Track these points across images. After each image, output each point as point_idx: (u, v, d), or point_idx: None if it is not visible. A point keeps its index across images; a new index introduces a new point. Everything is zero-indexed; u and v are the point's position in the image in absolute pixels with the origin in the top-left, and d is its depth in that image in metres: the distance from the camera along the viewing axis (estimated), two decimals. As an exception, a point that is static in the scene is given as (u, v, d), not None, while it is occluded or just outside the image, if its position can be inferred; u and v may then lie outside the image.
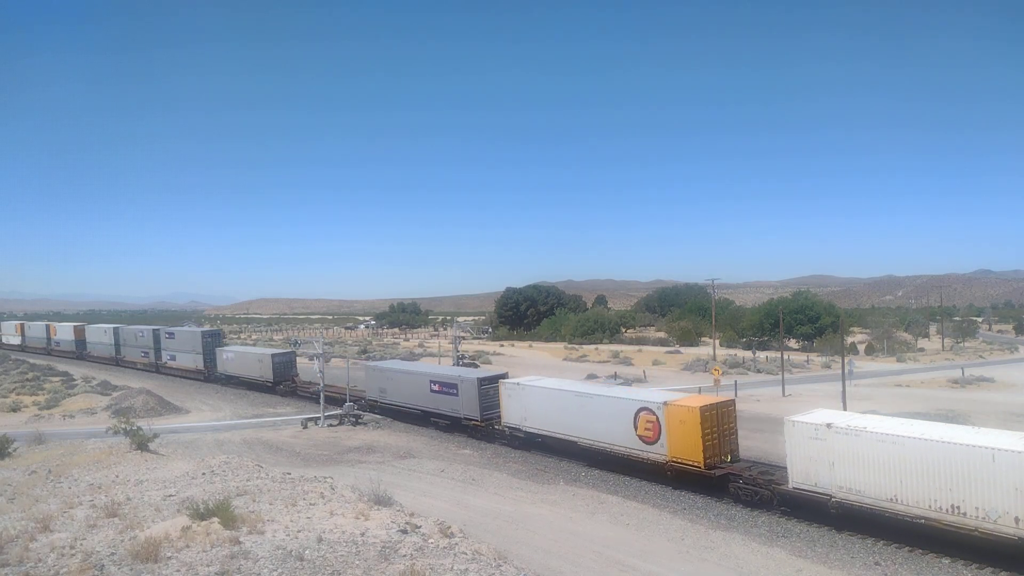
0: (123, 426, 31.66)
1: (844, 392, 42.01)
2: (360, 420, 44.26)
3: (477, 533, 20.25)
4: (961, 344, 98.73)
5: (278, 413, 49.83)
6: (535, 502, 26.32)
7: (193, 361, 65.90)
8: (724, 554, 20.67)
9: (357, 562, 13.82)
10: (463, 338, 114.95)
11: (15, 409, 52.34)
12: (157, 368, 70.77)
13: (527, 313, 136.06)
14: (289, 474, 25.36)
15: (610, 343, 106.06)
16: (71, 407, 52.84)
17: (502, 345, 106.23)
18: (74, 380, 68.66)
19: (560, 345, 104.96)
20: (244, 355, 62.04)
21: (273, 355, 58.60)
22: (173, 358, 69.27)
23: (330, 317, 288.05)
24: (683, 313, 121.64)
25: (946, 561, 19.67)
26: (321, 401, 45.11)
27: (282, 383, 56.65)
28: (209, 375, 63.94)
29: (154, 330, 74.76)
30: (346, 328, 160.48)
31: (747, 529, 23.05)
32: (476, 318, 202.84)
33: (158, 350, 70.99)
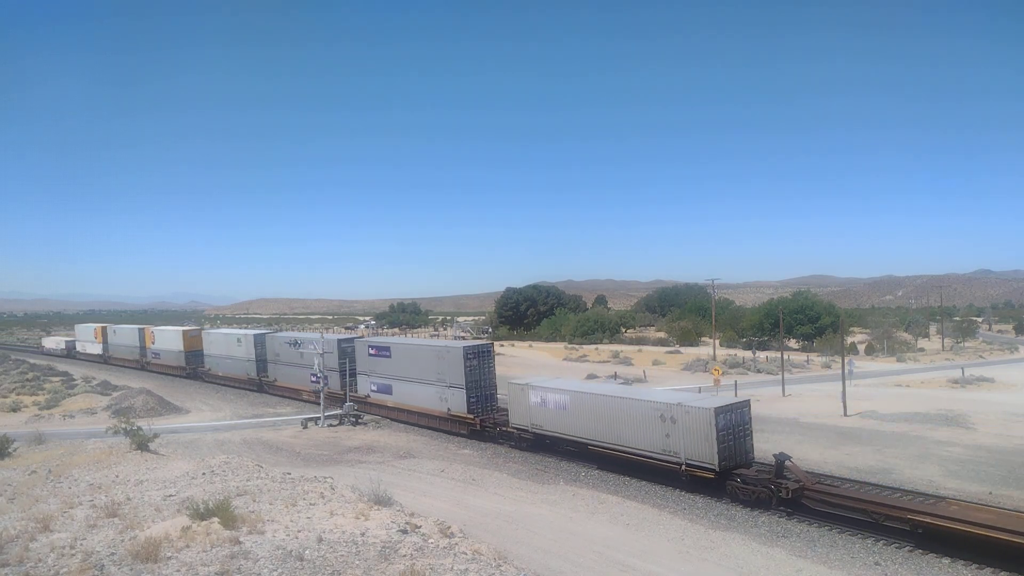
0: (123, 426, 31.68)
1: (844, 392, 42.00)
2: (360, 420, 44.25)
3: (477, 533, 20.25)
4: (961, 344, 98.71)
5: (278, 413, 49.83)
6: (535, 502, 26.31)
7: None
8: (724, 554, 20.66)
9: (357, 562, 13.82)
10: (463, 338, 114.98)
11: (15, 409, 52.38)
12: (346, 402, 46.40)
13: (527, 313, 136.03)
14: (289, 474, 25.36)
15: (610, 343, 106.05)
16: (71, 407, 52.87)
17: (502, 345, 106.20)
18: (74, 380, 68.72)
19: (560, 345, 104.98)
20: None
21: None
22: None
23: (330, 317, 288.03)
24: (683, 313, 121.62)
25: (946, 561, 19.67)
26: (321, 401, 45.10)
27: None
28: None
29: (340, 340, 50.88)
30: (346, 328, 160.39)
31: (747, 529, 23.05)
32: (476, 318, 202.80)
33: (347, 371, 48.77)
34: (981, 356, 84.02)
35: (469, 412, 38.13)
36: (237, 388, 61.26)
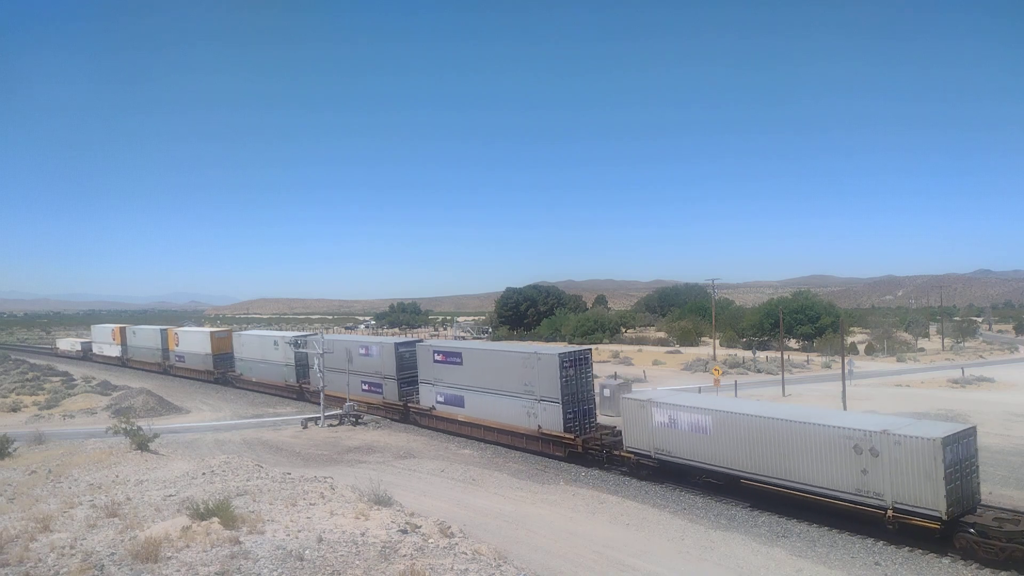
0: (123, 426, 31.70)
1: (844, 392, 42.00)
2: (360, 420, 44.25)
3: (477, 533, 20.25)
4: (961, 344, 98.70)
5: (278, 413, 49.84)
6: (535, 502, 26.31)
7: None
8: (724, 554, 20.66)
9: (357, 562, 13.82)
10: (463, 338, 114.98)
11: (15, 409, 52.40)
12: (406, 414, 43.44)
13: (527, 313, 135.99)
14: (289, 474, 25.36)
15: (610, 343, 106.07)
16: (71, 407, 52.89)
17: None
18: (74, 380, 68.73)
19: (560, 345, 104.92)
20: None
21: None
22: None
23: (330, 317, 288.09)
24: (683, 313, 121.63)
25: (946, 561, 19.67)
26: (321, 401, 45.12)
27: None
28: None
29: (398, 345, 45.08)
30: (346, 328, 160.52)
31: (747, 529, 23.04)
32: (476, 318, 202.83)
33: (405, 381, 43.75)
34: (981, 356, 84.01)
35: (566, 430, 32.60)
36: (274, 396, 56.24)
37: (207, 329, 74.36)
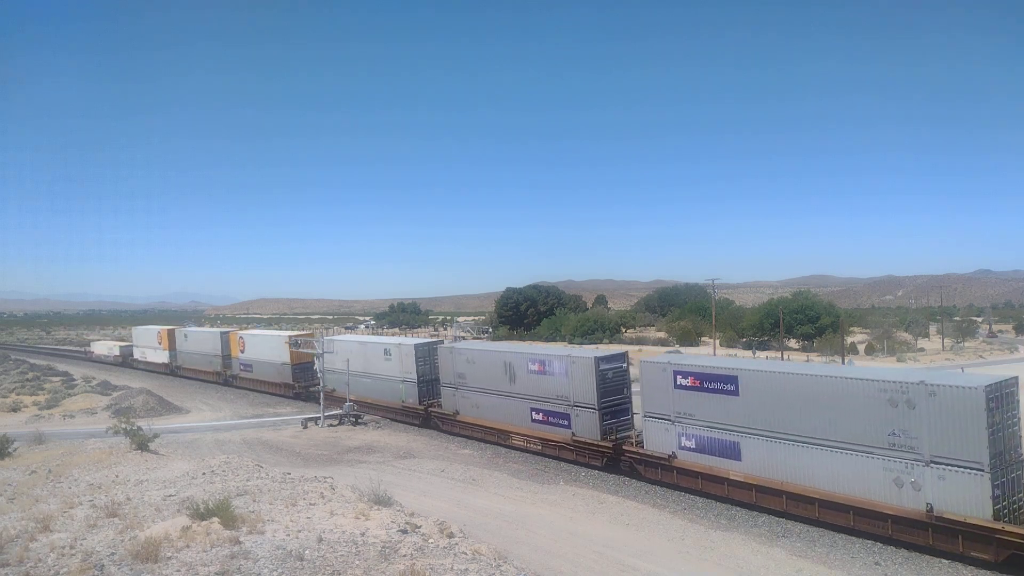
0: (123, 426, 31.72)
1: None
2: (360, 420, 44.25)
3: (477, 533, 20.25)
4: (961, 344, 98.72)
5: (278, 413, 49.87)
6: (535, 502, 26.32)
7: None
8: (724, 554, 20.66)
9: (357, 562, 13.82)
10: (463, 338, 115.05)
11: (15, 409, 52.42)
12: (616, 460, 30.54)
13: (527, 313, 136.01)
14: (289, 474, 25.36)
15: (610, 343, 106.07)
16: (71, 407, 52.91)
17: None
18: (74, 380, 68.75)
19: (560, 345, 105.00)
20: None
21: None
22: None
23: (330, 317, 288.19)
24: (683, 313, 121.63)
25: (946, 561, 19.67)
26: (321, 401, 45.13)
27: None
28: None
29: (600, 359, 31.71)
30: (346, 328, 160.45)
31: (747, 529, 23.05)
32: (476, 318, 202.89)
33: (610, 411, 31.49)
34: (981, 356, 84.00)
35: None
36: (390, 421, 44.52)
37: (282, 333, 64.23)
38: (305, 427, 43.14)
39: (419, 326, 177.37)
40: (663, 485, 27.73)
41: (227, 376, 65.18)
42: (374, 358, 45.82)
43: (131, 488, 21.98)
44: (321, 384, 45.94)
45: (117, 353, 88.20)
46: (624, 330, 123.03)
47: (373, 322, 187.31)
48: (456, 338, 79.20)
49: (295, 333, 63.27)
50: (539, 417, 33.75)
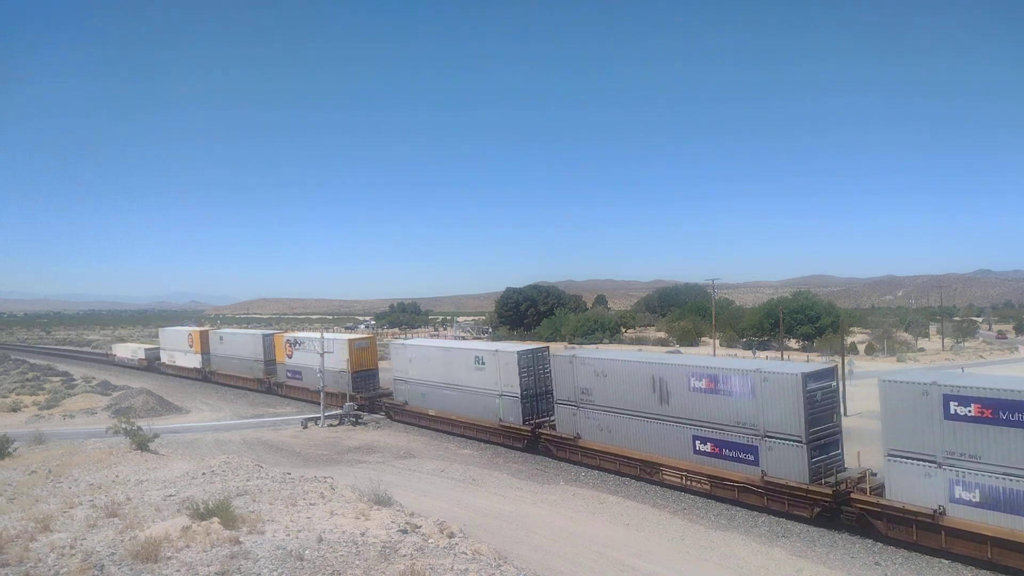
0: (123, 426, 31.73)
1: (844, 392, 41.95)
2: (360, 420, 44.26)
3: (477, 533, 20.25)
4: (961, 344, 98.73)
5: (278, 413, 49.87)
6: (535, 502, 26.32)
7: None
8: (724, 554, 20.67)
9: (357, 562, 13.82)
10: (463, 338, 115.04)
11: (15, 409, 52.43)
12: (834, 509, 23.27)
13: (527, 313, 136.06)
14: (289, 474, 25.36)
15: (610, 343, 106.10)
16: (71, 407, 52.92)
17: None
18: (74, 380, 68.77)
19: (560, 345, 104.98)
20: None
21: None
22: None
23: (330, 317, 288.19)
24: (683, 313, 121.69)
25: (946, 561, 19.67)
26: (321, 401, 45.13)
27: None
28: None
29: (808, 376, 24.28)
30: (346, 328, 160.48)
31: (747, 529, 23.06)
32: (476, 318, 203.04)
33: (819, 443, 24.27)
34: (981, 356, 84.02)
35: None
36: (482, 443, 37.00)
37: (343, 336, 55.78)
38: (305, 427, 43.15)
39: (419, 326, 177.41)
40: (928, 552, 20.52)
41: (271, 384, 58.13)
42: (460, 367, 38.56)
43: (131, 488, 21.98)
44: (321, 384, 45.91)
45: (142, 356, 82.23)
46: (624, 330, 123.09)
47: (373, 322, 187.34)
48: (457, 338, 78.87)
49: (356, 336, 54.91)
50: (706, 448, 26.15)
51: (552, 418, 33.67)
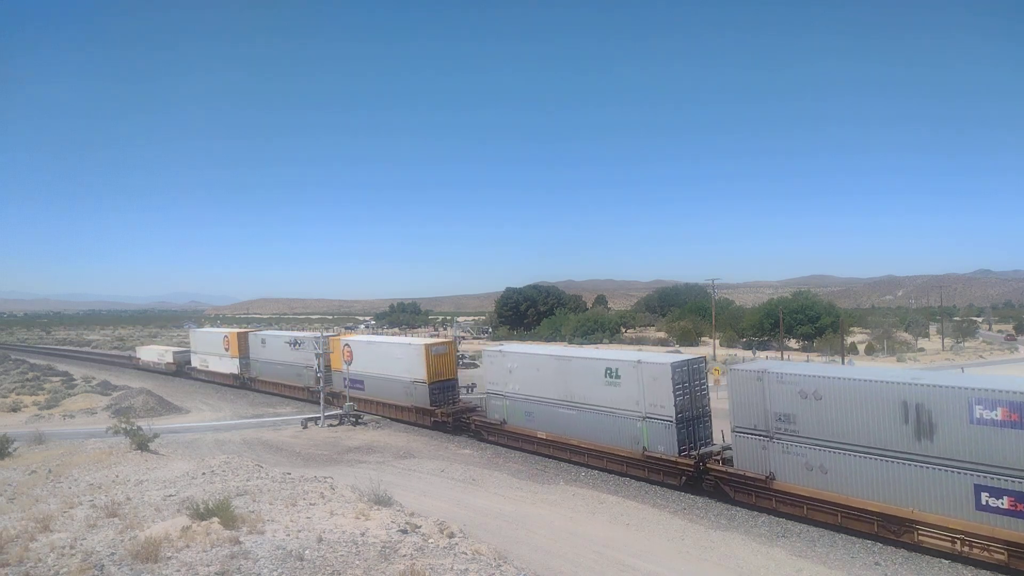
0: (123, 426, 31.73)
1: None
2: (360, 420, 44.24)
3: (477, 533, 20.25)
4: (961, 344, 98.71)
5: (278, 413, 49.84)
6: (535, 502, 26.32)
7: None
8: (724, 554, 20.67)
9: (357, 562, 13.82)
10: (463, 338, 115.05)
11: (15, 409, 52.42)
12: None
13: (527, 313, 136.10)
14: (289, 474, 25.36)
15: (610, 343, 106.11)
16: (71, 407, 52.90)
17: (501, 344, 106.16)
18: (74, 380, 68.72)
19: (560, 345, 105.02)
20: None
21: None
22: None
23: (330, 317, 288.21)
24: (683, 313, 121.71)
25: (946, 562, 19.67)
26: (321, 401, 45.11)
27: None
28: None
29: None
30: (346, 328, 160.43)
31: (747, 529, 23.05)
32: (476, 318, 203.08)
33: None
34: (981, 356, 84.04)
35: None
36: (618, 477, 29.93)
37: (418, 340, 47.22)
38: (305, 427, 43.13)
39: (419, 326, 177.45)
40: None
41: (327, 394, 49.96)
42: (583, 380, 31.53)
43: (131, 488, 21.97)
44: (321, 383, 45.90)
45: (170, 360, 75.80)
46: (624, 330, 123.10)
47: (373, 322, 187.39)
48: (457, 339, 78.66)
49: (434, 341, 45.80)
50: (1000, 504, 19.10)
51: (718, 448, 27.62)
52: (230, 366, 63.84)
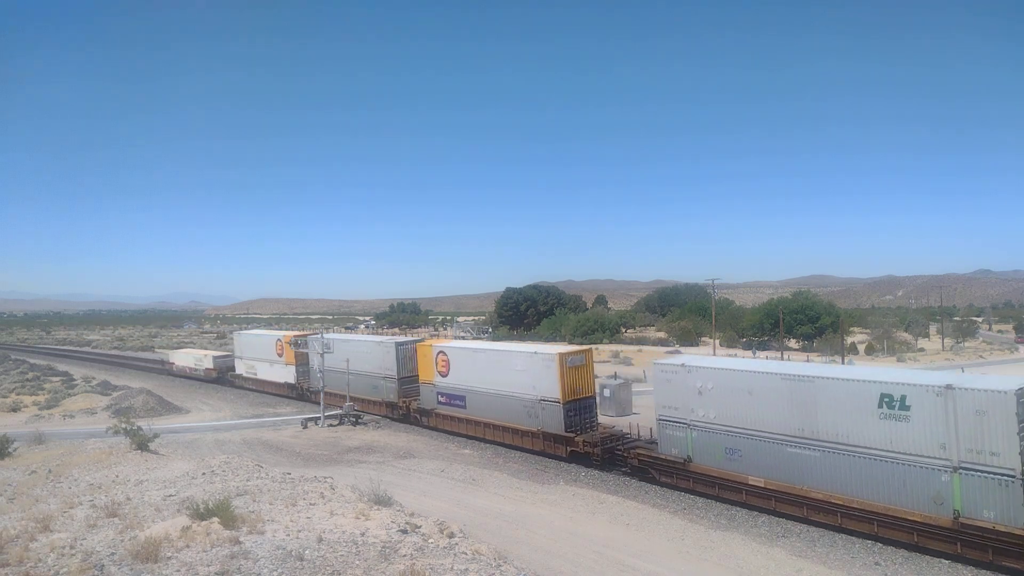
0: (123, 426, 31.73)
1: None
2: (360, 420, 44.22)
3: (477, 533, 20.25)
4: (961, 344, 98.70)
5: (278, 413, 49.84)
6: (535, 502, 26.31)
7: None
8: (724, 554, 20.67)
9: (357, 562, 13.82)
10: (463, 338, 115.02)
11: (15, 409, 52.42)
12: None
13: (527, 313, 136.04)
14: (289, 474, 25.36)
15: (610, 343, 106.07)
16: (71, 407, 52.89)
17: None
18: (74, 380, 68.71)
19: (560, 345, 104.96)
20: None
21: None
22: None
23: (330, 317, 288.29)
24: (683, 313, 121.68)
25: (946, 562, 19.67)
26: (321, 401, 45.11)
27: None
28: None
29: None
30: (346, 328, 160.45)
31: (747, 529, 23.05)
32: (476, 318, 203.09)
33: None
34: (981, 356, 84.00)
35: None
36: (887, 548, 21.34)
37: (546, 347, 37.68)
38: (305, 427, 43.11)
39: (419, 326, 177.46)
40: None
41: (410, 411, 43.08)
42: (838, 409, 22.23)
43: (131, 488, 21.97)
44: (321, 383, 45.88)
45: (210, 366, 68.20)
46: (624, 330, 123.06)
47: (373, 322, 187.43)
48: (457, 338, 78.48)
49: (568, 350, 34.67)
50: None
51: None
52: (284, 374, 56.27)
